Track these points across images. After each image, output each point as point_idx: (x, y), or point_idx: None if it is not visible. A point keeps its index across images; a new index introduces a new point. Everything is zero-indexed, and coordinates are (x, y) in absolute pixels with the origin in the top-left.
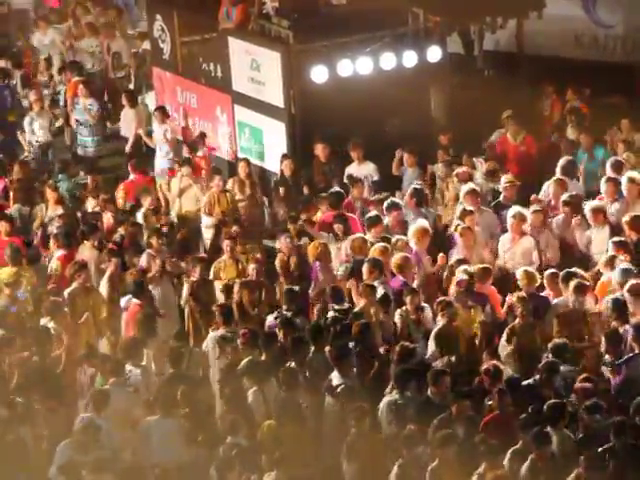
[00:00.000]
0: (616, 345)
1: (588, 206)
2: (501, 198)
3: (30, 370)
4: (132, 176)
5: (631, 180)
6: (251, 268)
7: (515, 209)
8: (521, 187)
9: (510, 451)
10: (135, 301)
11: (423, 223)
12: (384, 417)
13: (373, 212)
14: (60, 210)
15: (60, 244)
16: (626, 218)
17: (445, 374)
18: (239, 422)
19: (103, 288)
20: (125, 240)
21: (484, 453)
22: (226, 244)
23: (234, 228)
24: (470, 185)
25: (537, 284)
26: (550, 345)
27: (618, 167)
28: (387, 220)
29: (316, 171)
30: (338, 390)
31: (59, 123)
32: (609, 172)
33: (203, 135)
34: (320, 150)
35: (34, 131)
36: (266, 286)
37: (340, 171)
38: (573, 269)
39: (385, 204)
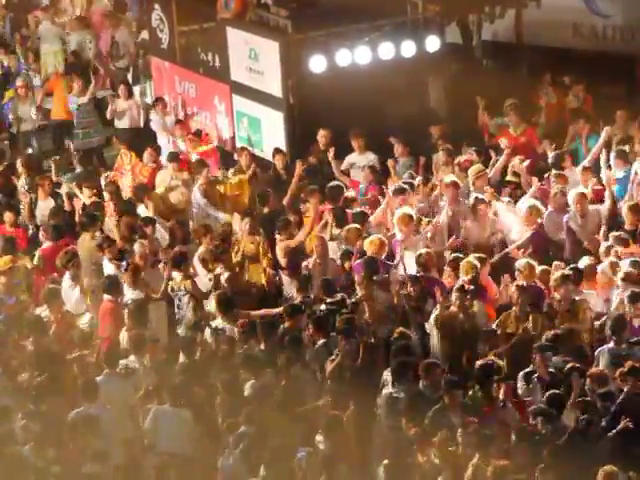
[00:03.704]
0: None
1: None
2: (471, 187)
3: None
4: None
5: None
6: (244, 222)
7: (531, 202)
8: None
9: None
10: (107, 297)
11: (407, 210)
12: (382, 411)
13: (358, 209)
14: (51, 203)
15: (48, 236)
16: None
17: (436, 366)
18: (253, 413)
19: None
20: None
21: (479, 443)
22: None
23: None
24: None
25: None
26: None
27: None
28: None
29: (314, 156)
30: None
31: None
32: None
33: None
34: (321, 136)
35: (19, 118)
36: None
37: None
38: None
39: (392, 188)
